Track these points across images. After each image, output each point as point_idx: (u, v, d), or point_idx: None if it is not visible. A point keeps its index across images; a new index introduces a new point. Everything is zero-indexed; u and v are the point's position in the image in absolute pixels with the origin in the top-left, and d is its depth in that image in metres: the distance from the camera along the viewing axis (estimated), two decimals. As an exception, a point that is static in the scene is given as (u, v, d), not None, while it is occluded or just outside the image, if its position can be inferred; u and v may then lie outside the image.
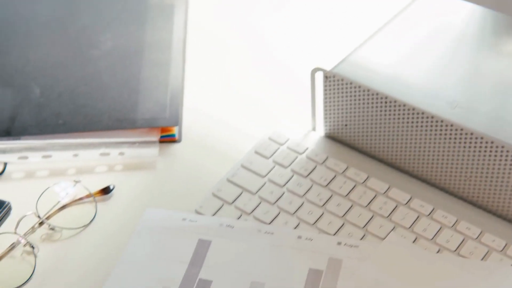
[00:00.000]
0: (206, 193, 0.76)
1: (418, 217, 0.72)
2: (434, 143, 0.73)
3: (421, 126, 0.72)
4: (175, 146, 0.83)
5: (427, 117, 0.72)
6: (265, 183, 0.77)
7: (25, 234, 0.72)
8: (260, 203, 0.75)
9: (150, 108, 0.84)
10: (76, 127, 0.82)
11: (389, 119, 0.74)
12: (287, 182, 0.76)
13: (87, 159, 0.80)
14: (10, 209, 0.75)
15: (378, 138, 0.76)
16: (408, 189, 0.75)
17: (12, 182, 0.79)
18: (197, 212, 0.75)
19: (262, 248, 0.71)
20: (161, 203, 0.76)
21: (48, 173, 0.80)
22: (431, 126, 0.72)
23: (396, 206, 0.73)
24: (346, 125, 0.78)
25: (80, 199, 0.77)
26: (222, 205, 0.75)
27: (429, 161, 0.74)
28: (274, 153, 0.79)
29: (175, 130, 0.83)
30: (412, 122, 0.73)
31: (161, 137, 0.82)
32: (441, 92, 0.74)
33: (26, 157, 0.80)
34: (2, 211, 0.74)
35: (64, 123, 0.82)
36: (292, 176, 0.77)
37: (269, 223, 0.73)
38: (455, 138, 0.71)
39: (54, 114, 0.83)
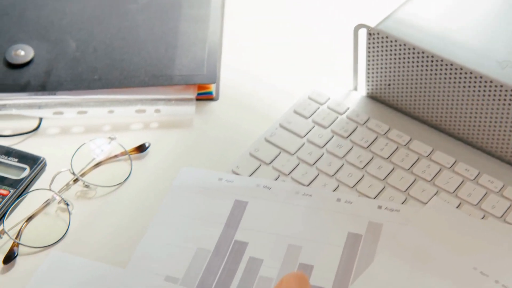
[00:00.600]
0: (243, 153, 0.74)
1: (462, 181, 0.70)
2: (482, 104, 0.69)
3: (469, 87, 0.69)
4: (212, 104, 0.81)
5: (476, 77, 0.68)
6: (304, 144, 0.74)
7: (59, 191, 0.72)
8: (298, 164, 0.73)
9: (187, 65, 0.81)
10: (111, 83, 0.80)
11: (435, 78, 0.71)
12: (326, 143, 0.74)
13: (122, 115, 0.79)
14: (45, 165, 0.74)
15: (423, 99, 0.73)
16: (453, 152, 0.72)
17: (47, 138, 0.78)
18: (234, 172, 0.73)
19: (300, 211, 0.69)
20: (196, 162, 0.75)
21: (83, 129, 0.79)
22: (480, 86, 0.68)
23: (440, 170, 0.71)
24: (389, 84, 0.75)
25: (115, 156, 0.75)
26: (260, 166, 0.73)
27: (476, 123, 0.71)
28: (313, 113, 0.77)
29: (212, 88, 0.81)
30: (460, 82, 0.69)
31: (198, 94, 0.80)
32: (490, 50, 0.70)
33: (61, 113, 0.78)
34: (37, 167, 0.73)
35: (100, 78, 0.80)
36: (332, 137, 0.75)
37: (308, 185, 0.71)
38: (505, 99, 0.67)
39: (89, 69, 0.81)
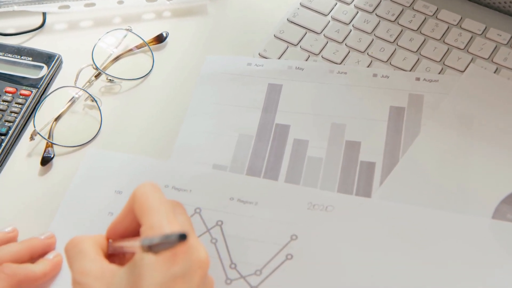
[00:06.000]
0: (267, 35, 0.71)
1: (496, 46, 0.69)
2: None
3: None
4: (224, -12, 0.77)
5: None
6: (329, 22, 0.72)
7: (83, 88, 0.68)
8: (327, 43, 0.71)
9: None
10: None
11: None
12: (352, 19, 0.72)
13: (133, 6, 0.74)
14: (61, 62, 0.70)
15: (446, -33, 0.71)
16: (482, 19, 0.71)
17: (55, 35, 0.73)
18: (262, 56, 0.70)
19: (337, 89, 0.68)
20: (219, 49, 0.71)
21: (92, 23, 0.74)
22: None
23: (471, 37, 0.70)
24: (410, -45, 0.73)
25: (134, 48, 0.71)
26: (287, 48, 0.71)
27: (502, -12, 0.70)
28: (333, -11, 0.74)
29: (222, -29, 0.77)
30: None
31: (209, -21, 0.77)
32: None
33: (67, 7, 0.73)
34: (54, 64, 0.68)
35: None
36: (357, 12, 0.72)
37: (341, 63, 0.69)
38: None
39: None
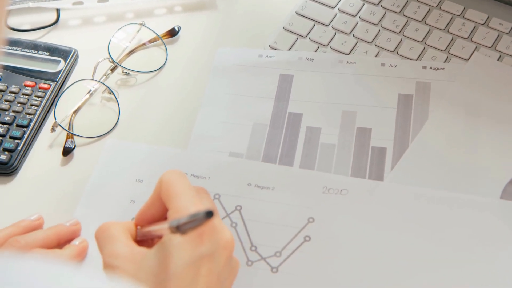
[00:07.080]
0: (277, 28, 0.73)
1: (498, 35, 0.71)
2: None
3: None
4: (232, -17, 0.79)
5: None
6: (336, 14, 0.74)
7: (100, 80, 0.69)
8: (335, 34, 0.73)
9: None
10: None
11: None
12: (359, 11, 0.74)
13: (144, 1, 0.76)
14: (77, 56, 0.71)
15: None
16: (484, 9, 0.73)
17: (69, 30, 0.75)
18: (272, 48, 0.72)
19: (347, 78, 0.70)
20: (230, 42, 0.73)
21: (105, 18, 0.76)
22: None
23: (474, 27, 0.72)
24: None
25: (148, 42, 0.73)
26: (297, 39, 0.73)
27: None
28: (339, -18, 0.77)
29: (230, -34, 0.79)
30: None
31: (217, -26, 0.79)
32: None
33: (81, 3, 0.75)
34: (71, 59, 0.70)
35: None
36: (363, 5, 0.75)
37: (349, 53, 0.72)
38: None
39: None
